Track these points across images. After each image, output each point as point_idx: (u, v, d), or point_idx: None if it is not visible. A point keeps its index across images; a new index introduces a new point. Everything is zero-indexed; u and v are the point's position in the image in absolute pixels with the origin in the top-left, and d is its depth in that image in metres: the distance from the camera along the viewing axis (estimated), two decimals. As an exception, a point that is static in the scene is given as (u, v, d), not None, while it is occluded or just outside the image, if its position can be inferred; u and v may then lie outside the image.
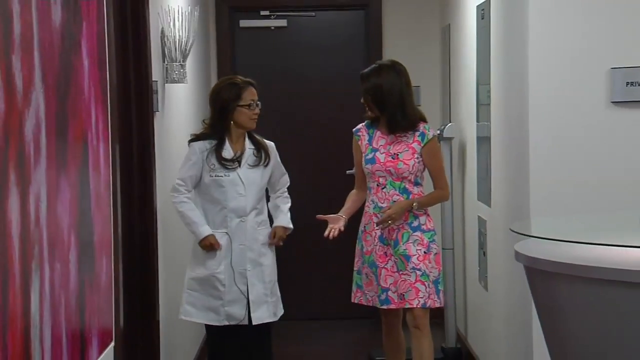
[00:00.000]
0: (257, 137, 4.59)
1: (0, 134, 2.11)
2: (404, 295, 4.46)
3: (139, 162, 4.26)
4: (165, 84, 4.75)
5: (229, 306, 4.42)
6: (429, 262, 4.48)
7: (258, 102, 4.53)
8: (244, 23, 6.88)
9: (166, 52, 4.70)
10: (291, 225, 4.65)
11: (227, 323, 4.42)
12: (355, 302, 4.70)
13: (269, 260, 4.56)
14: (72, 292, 2.70)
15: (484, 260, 5.22)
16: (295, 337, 6.37)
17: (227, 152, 4.45)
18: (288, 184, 4.73)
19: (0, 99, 2.11)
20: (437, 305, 4.55)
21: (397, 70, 4.55)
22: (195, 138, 4.50)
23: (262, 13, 6.87)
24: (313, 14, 6.91)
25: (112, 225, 3.25)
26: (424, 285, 4.45)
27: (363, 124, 4.68)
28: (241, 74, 6.70)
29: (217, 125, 4.46)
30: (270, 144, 4.62)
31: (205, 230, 4.39)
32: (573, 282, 2.87)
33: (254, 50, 6.89)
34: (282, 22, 6.90)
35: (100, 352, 3.02)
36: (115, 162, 3.33)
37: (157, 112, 4.48)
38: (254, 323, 4.42)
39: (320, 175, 6.84)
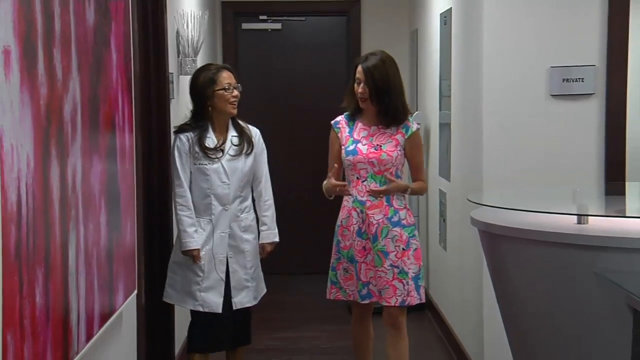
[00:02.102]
0: (242, 123, 3.89)
1: (43, 115, 2.11)
2: (381, 292, 3.73)
3: (157, 141, 4.25)
4: (180, 76, 4.74)
5: (206, 292, 3.78)
6: (408, 259, 3.71)
7: (237, 85, 3.81)
8: (245, 25, 6.86)
9: (180, 49, 4.68)
10: (277, 239, 3.96)
11: (201, 309, 3.79)
12: (331, 298, 3.89)
13: (251, 246, 3.88)
14: (102, 248, 2.71)
15: (444, 225, 5.25)
16: (283, 288, 6.36)
17: (210, 141, 3.78)
18: (270, 185, 3.97)
19: (44, 86, 2.11)
20: (417, 301, 3.78)
21: (394, 61, 3.83)
22: (179, 130, 3.83)
23: (261, 17, 6.86)
24: (303, 18, 6.89)
25: (135, 193, 3.25)
26: (402, 283, 3.69)
27: (342, 116, 3.89)
28: (242, 69, 6.74)
29: (199, 114, 3.80)
30: (254, 131, 3.92)
31: (194, 244, 3.75)
32: (516, 243, 2.91)
33: (253, 48, 6.88)
34: (277, 25, 6.88)
35: (125, 298, 3.03)
36: (137, 140, 3.33)
37: (172, 99, 4.46)
38: (234, 308, 3.81)
39: (304, 154, 6.85)
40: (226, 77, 3.77)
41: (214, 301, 3.78)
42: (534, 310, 2.92)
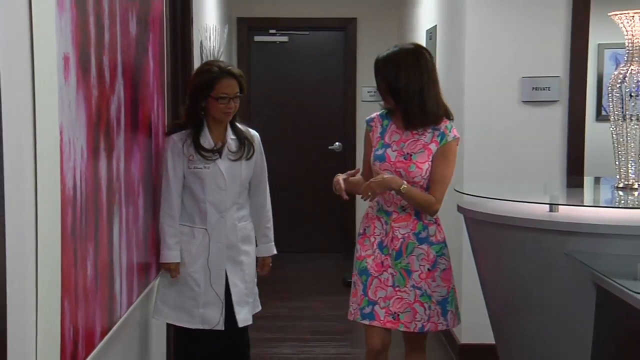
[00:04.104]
0: (240, 126, 3.01)
1: (94, 113, 2.10)
2: (399, 315, 2.82)
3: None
4: (202, 81, 4.71)
5: (204, 308, 2.95)
6: (433, 281, 2.82)
7: (238, 95, 2.91)
8: (257, 38, 6.83)
9: (203, 57, 4.66)
10: (275, 251, 3.15)
11: (200, 327, 2.96)
12: (352, 319, 2.92)
13: (250, 258, 3.06)
14: (140, 228, 2.70)
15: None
16: (284, 265, 6.34)
17: (207, 141, 2.92)
18: (269, 194, 3.13)
19: (95, 88, 2.10)
20: (442, 328, 2.86)
21: (417, 56, 2.79)
22: (172, 130, 2.99)
23: (270, 31, 6.82)
24: (307, 33, 6.86)
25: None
26: (423, 307, 2.81)
27: (377, 113, 2.93)
28: (253, 76, 6.72)
29: (193, 113, 2.94)
30: (254, 135, 3.05)
31: (172, 257, 2.92)
32: (498, 228, 2.90)
33: (263, 58, 6.85)
34: (285, 38, 6.85)
35: (157, 272, 3.02)
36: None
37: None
38: (240, 325, 2.99)
39: (307, 148, 6.86)
40: (224, 86, 2.89)
41: (213, 317, 2.96)
42: (512, 286, 2.92)
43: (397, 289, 2.83)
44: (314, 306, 5.27)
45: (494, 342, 3.24)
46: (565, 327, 2.74)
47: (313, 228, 6.90)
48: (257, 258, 3.13)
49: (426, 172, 2.78)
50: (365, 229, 2.92)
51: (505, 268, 2.93)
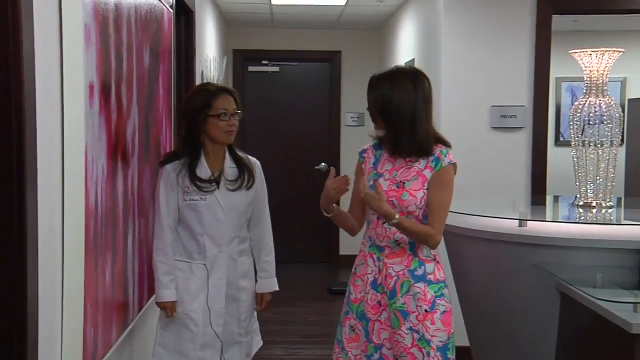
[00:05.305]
0: (240, 153, 2.62)
1: (114, 135, 2.13)
2: (397, 359, 2.34)
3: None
4: (203, 106, 4.73)
5: (202, 351, 2.54)
6: (432, 324, 2.28)
7: (237, 112, 2.54)
8: (251, 68, 6.89)
9: (204, 85, 4.69)
10: (277, 287, 2.74)
11: None
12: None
13: (248, 294, 2.65)
14: (150, 238, 2.71)
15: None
16: (275, 274, 6.34)
17: (203, 171, 2.52)
18: (270, 225, 2.73)
19: (114, 113, 2.14)
20: None
21: (414, 79, 2.31)
22: (166, 159, 2.58)
23: (263, 62, 6.88)
24: (296, 64, 6.93)
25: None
26: (422, 352, 2.28)
27: (370, 144, 2.46)
28: (247, 102, 6.76)
29: (189, 139, 2.55)
30: (254, 162, 2.66)
31: (167, 295, 2.50)
32: (473, 240, 2.94)
33: (257, 86, 6.91)
34: (276, 69, 6.91)
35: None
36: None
37: (198, 125, 4.46)
38: None
39: (296, 168, 6.90)
40: (223, 102, 2.52)
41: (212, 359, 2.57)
42: (485, 293, 2.96)
43: (394, 330, 2.33)
44: (302, 312, 5.28)
45: (467, 344, 3.28)
46: (532, 329, 2.78)
47: (301, 240, 6.92)
48: (256, 293, 2.70)
49: (421, 201, 2.30)
50: (356, 268, 2.44)
51: (478, 276, 2.97)
